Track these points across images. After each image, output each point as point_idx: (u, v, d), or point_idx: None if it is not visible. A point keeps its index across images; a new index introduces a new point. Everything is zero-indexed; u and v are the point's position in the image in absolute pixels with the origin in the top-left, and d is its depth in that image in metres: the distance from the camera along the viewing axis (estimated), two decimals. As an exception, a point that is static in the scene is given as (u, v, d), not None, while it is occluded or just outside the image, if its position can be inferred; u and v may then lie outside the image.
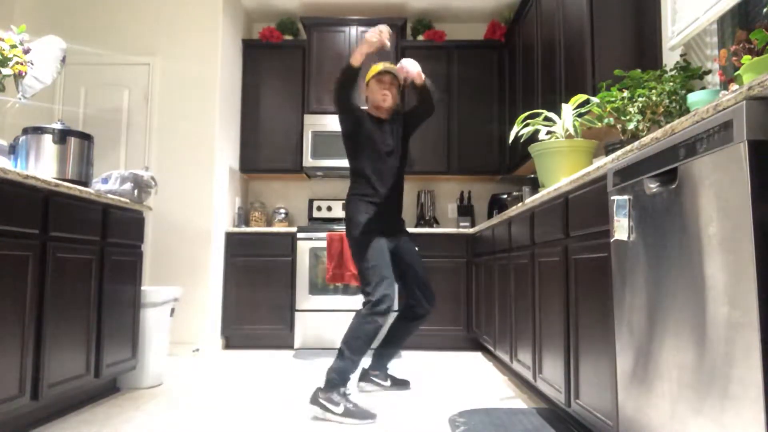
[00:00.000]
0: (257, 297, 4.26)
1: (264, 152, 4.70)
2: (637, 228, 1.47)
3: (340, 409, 2.31)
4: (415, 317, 2.81)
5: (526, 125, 2.70)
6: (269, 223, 4.79)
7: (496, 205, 4.42)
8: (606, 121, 2.18)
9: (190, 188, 4.09)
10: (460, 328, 4.23)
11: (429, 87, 2.72)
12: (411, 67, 2.64)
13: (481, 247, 3.88)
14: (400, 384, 2.92)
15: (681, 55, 2.40)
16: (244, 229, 4.38)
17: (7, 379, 1.90)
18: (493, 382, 3.10)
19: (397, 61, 4.83)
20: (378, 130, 2.73)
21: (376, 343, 2.83)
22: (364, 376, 2.90)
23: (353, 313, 4.19)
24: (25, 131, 2.43)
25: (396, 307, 2.79)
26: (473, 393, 2.80)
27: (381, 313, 2.46)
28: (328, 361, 3.73)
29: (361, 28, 4.73)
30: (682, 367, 1.24)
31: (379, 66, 2.81)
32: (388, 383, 2.89)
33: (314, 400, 2.36)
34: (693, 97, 1.86)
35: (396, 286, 2.63)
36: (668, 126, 1.34)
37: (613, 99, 2.12)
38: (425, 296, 2.79)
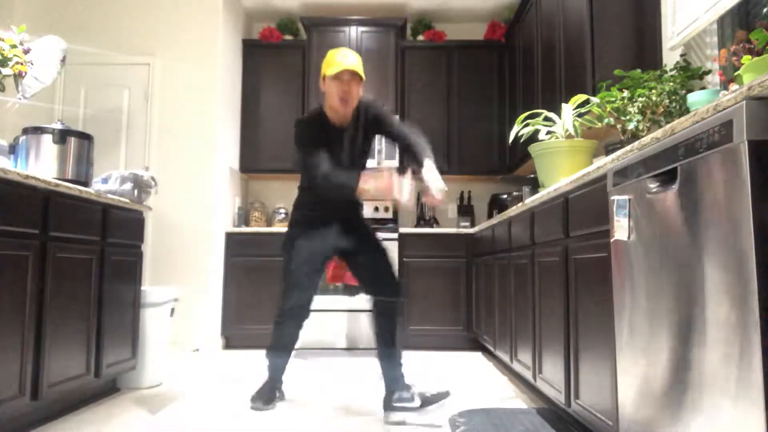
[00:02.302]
0: (257, 297, 4.25)
1: (264, 152, 4.70)
2: (637, 228, 1.47)
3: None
4: (379, 312, 2.45)
5: (526, 125, 2.70)
6: (269, 223, 4.79)
7: (496, 205, 4.42)
8: (606, 121, 2.18)
9: (190, 188, 4.09)
10: (460, 328, 4.23)
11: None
12: (440, 196, 2.30)
13: (481, 247, 3.88)
14: (436, 398, 2.35)
15: (681, 55, 2.40)
16: (244, 229, 4.38)
17: (7, 379, 1.89)
18: (493, 382, 3.10)
19: (398, 61, 4.87)
20: (333, 140, 2.39)
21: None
22: (387, 404, 2.40)
23: (353, 313, 4.24)
24: (25, 131, 2.43)
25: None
26: (473, 393, 2.80)
27: (284, 319, 2.46)
28: (327, 360, 3.74)
29: (361, 28, 4.73)
30: (682, 366, 1.24)
31: (336, 57, 2.24)
32: (416, 403, 2.33)
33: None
34: (693, 97, 1.86)
35: (308, 294, 2.45)
36: (668, 126, 1.34)
37: (613, 99, 2.12)
38: (380, 288, 2.45)
